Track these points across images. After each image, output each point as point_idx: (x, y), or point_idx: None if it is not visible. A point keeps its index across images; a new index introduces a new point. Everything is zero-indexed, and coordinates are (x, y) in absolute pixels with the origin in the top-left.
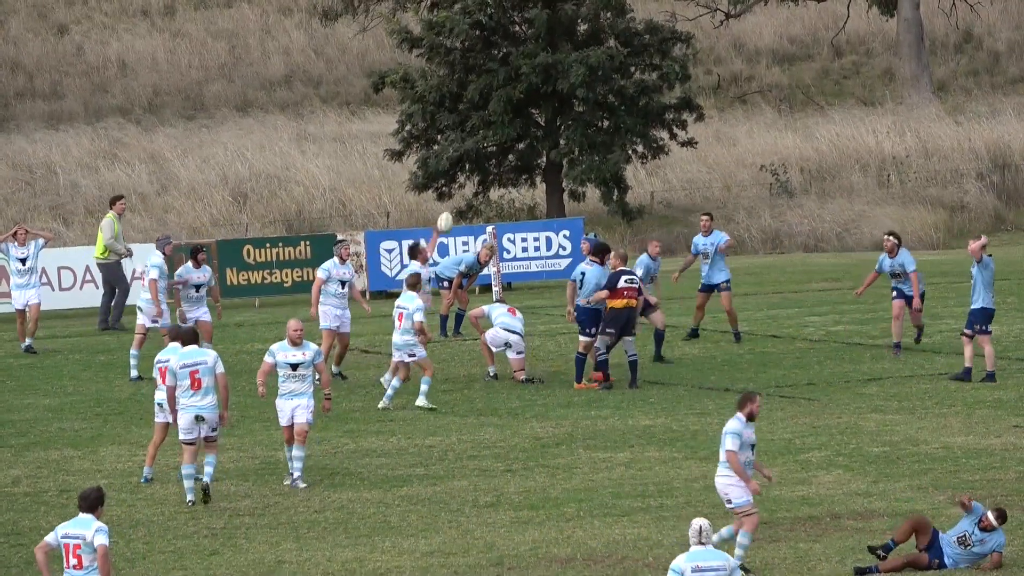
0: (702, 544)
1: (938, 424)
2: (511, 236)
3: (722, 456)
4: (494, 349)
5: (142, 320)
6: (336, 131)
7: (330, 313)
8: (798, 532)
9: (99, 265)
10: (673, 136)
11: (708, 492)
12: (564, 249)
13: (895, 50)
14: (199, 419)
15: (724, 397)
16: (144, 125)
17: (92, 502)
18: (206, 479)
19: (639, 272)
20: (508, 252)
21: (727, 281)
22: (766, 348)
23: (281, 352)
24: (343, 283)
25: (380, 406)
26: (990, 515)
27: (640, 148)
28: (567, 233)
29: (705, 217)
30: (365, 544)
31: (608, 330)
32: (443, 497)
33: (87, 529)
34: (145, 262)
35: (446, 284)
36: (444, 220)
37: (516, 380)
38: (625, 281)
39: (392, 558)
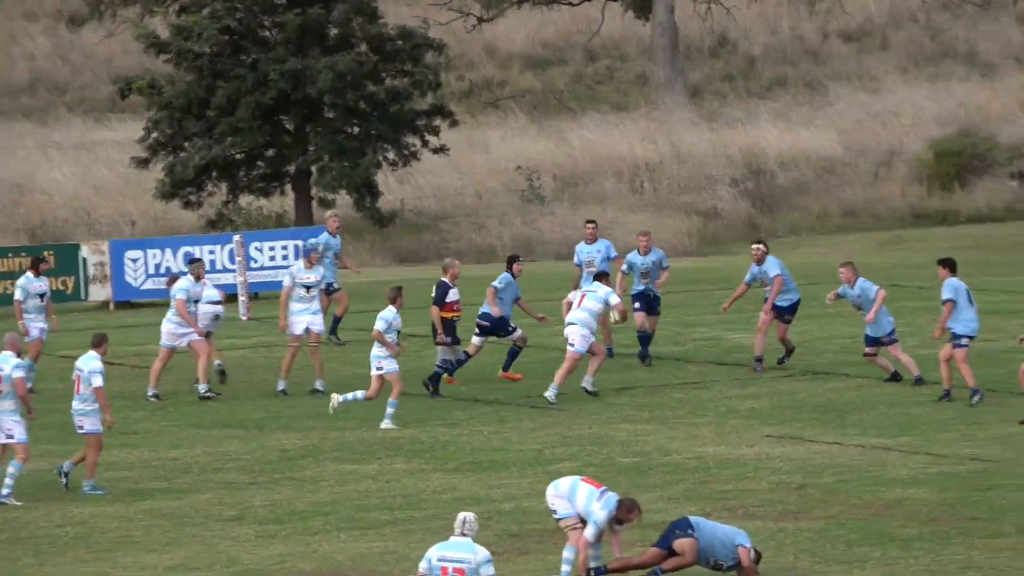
0: (463, 536)
1: (690, 434)
2: (259, 245)
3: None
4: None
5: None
6: (82, 138)
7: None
8: (547, 544)
9: None
10: (425, 143)
11: (457, 504)
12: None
13: (649, 55)
14: None
15: (474, 408)
16: None
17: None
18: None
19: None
20: (255, 261)
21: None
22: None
23: None
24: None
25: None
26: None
27: (391, 155)
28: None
29: (757, 246)
30: (107, 559)
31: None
32: (187, 511)
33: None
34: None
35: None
36: None
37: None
38: (453, 295)
39: (134, 573)
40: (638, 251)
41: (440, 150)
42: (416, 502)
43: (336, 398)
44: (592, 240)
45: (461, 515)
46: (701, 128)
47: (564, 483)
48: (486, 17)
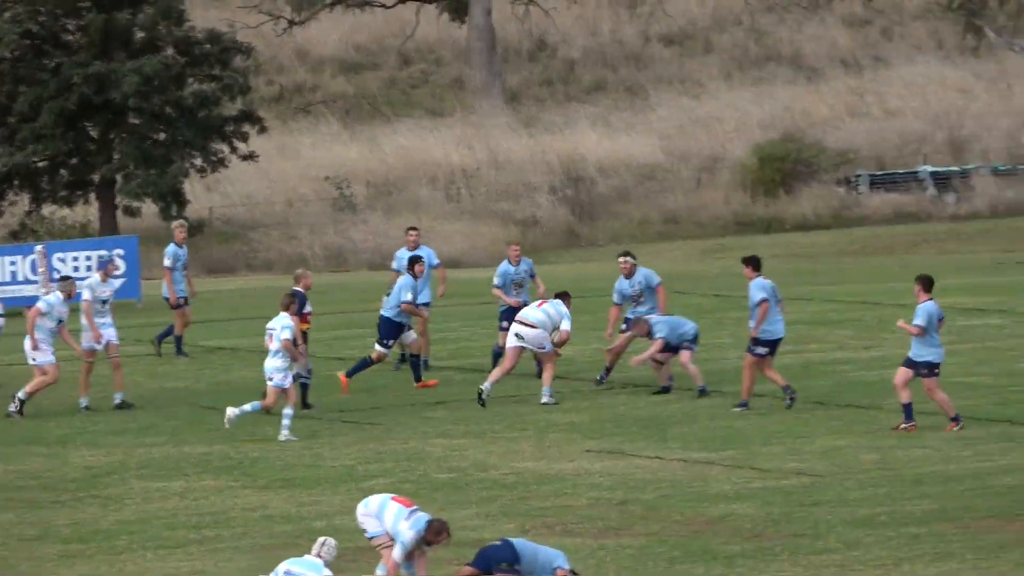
0: (318, 557)
1: (508, 449)
2: (62, 256)
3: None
4: None
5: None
6: None
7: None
8: (360, 563)
9: None
10: (233, 149)
11: (266, 522)
12: (118, 269)
13: (465, 58)
14: None
15: None
16: None
17: None
18: None
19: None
20: (58, 272)
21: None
22: (332, 371)
23: None
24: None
25: (282, 439)
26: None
27: (199, 162)
28: (121, 252)
29: (625, 259)
30: None
31: None
32: None
33: None
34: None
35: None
36: None
37: None
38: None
39: None
40: (509, 261)
41: (249, 157)
42: (225, 520)
43: (231, 412)
44: (414, 247)
45: (322, 537)
46: (519, 134)
47: (374, 501)
48: (297, 20)
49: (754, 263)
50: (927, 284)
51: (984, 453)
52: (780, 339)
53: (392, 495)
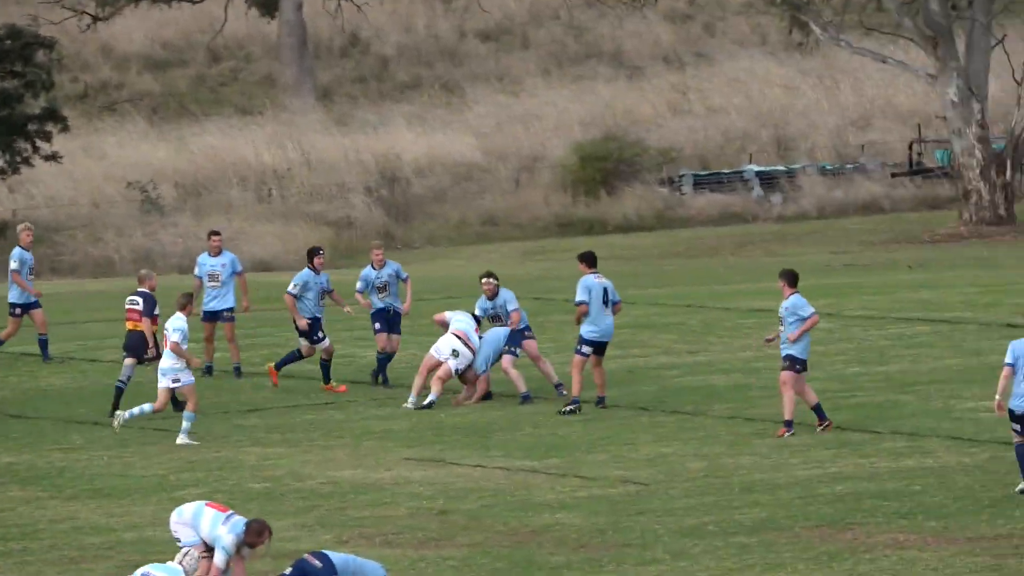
0: (179, 565)
1: (324, 457)
2: None
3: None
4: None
5: None
6: None
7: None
8: None
9: None
10: (36, 149)
11: (76, 533)
12: None
13: (276, 55)
14: None
15: (93, 431)
16: None
17: None
18: None
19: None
20: None
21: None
22: (139, 379)
23: None
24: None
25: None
26: None
27: (1, 162)
28: None
29: (487, 280)
30: None
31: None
32: None
33: None
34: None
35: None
36: None
37: None
38: (129, 303)
39: None
40: (372, 265)
41: (52, 157)
42: (32, 532)
43: (120, 415)
44: (216, 252)
45: (185, 547)
46: (332, 132)
47: (188, 509)
48: (101, 16)
49: (588, 259)
50: (792, 279)
51: (814, 460)
52: (606, 342)
53: (206, 501)
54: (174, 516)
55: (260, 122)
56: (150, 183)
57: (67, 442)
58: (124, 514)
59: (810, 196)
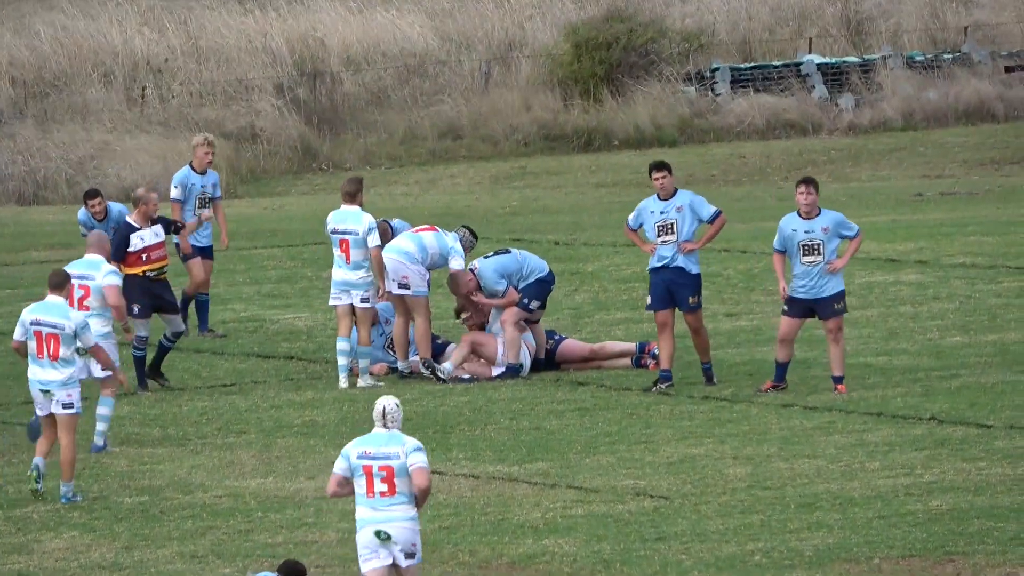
0: (385, 428)
1: (221, 460)
2: None
3: None
4: None
5: None
6: None
7: None
8: None
9: None
10: None
11: None
12: None
13: None
14: None
15: None
16: None
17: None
18: None
19: None
20: None
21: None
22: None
23: None
24: None
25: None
26: None
27: None
28: None
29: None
30: None
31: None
32: None
33: None
34: None
35: None
36: None
37: None
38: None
39: None
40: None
41: None
42: None
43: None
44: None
45: (380, 403)
46: (231, 11)
47: None
48: None
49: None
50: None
51: (901, 465)
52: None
53: None
54: None
55: None
56: None
57: None
58: None
59: (893, 98)
